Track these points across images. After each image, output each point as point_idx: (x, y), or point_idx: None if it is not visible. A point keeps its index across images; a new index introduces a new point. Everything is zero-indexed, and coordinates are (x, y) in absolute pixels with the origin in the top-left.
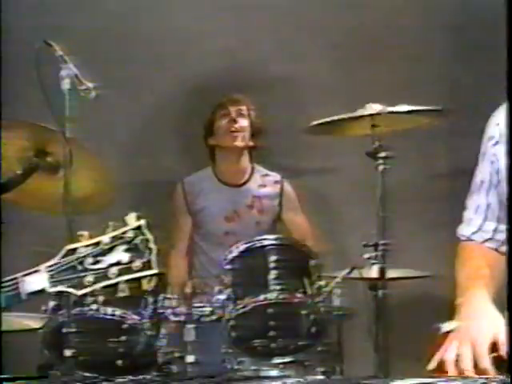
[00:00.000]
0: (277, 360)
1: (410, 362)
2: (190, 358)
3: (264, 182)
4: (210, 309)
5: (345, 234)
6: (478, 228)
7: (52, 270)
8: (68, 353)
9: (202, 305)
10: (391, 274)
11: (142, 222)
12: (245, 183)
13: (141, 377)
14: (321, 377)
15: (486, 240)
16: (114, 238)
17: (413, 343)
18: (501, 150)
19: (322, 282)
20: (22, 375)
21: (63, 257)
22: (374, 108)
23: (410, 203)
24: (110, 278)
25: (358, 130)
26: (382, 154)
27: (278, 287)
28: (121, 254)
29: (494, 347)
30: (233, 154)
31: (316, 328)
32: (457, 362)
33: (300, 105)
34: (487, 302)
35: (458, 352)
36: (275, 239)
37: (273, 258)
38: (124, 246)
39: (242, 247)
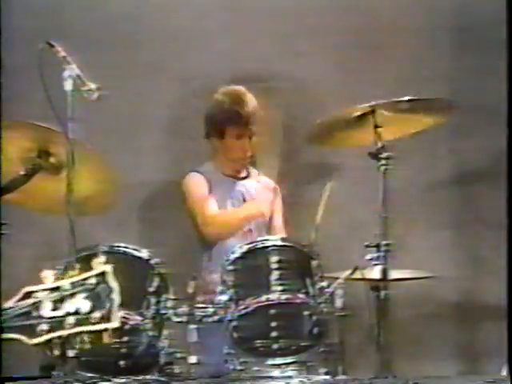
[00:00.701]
0: (279, 360)
1: (413, 362)
2: (193, 359)
3: (260, 182)
4: (212, 309)
5: (347, 235)
6: None
7: (5, 315)
8: (70, 353)
9: (204, 305)
10: (393, 274)
11: (108, 268)
12: (246, 177)
13: (143, 377)
14: (325, 377)
15: None
16: (75, 284)
17: (415, 344)
18: None
19: (324, 283)
20: (24, 376)
21: (19, 300)
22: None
23: (412, 204)
24: (65, 328)
25: (361, 131)
26: (385, 155)
27: (280, 288)
28: (81, 302)
29: None
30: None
31: (318, 328)
32: None
33: (301, 105)
34: None
35: None
36: (277, 240)
37: (275, 258)
38: (85, 294)
39: (244, 248)
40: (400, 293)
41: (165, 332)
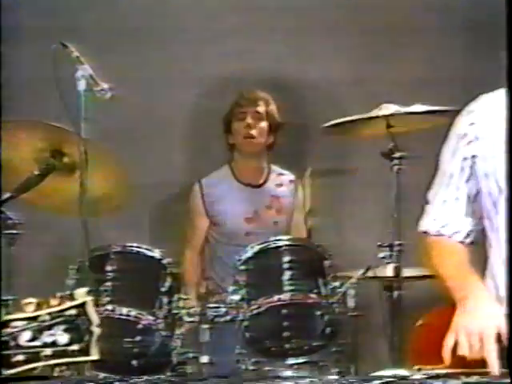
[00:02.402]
0: (291, 360)
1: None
2: (205, 359)
3: (281, 181)
4: (224, 309)
5: (360, 235)
6: (447, 222)
7: None
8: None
9: (216, 305)
10: (406, 273)
11: (88, 299)
12: (263, 183)
13: (155, 377)
14: (336, 377)
15: (454, 233)
16: (54, 315)
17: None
18: (477, 149)
19: (337, 283)
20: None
21: None
22: (389, 108)
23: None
24: (41, 360)
25: (373, 130)
26: (397, 155)
27: (292, 288)
28: (59, 334)
29: (498, 338)
30: (252, 155)
31: (330, 328)
32: (455, 349)
33: (314, 105)
34: (488, 295)
35: (456, 340)
36: (289, 240)
37: (287, 258)
38: (64, 325)
39: (256, 248)
40: (413, 293)
41: (177, 332)
